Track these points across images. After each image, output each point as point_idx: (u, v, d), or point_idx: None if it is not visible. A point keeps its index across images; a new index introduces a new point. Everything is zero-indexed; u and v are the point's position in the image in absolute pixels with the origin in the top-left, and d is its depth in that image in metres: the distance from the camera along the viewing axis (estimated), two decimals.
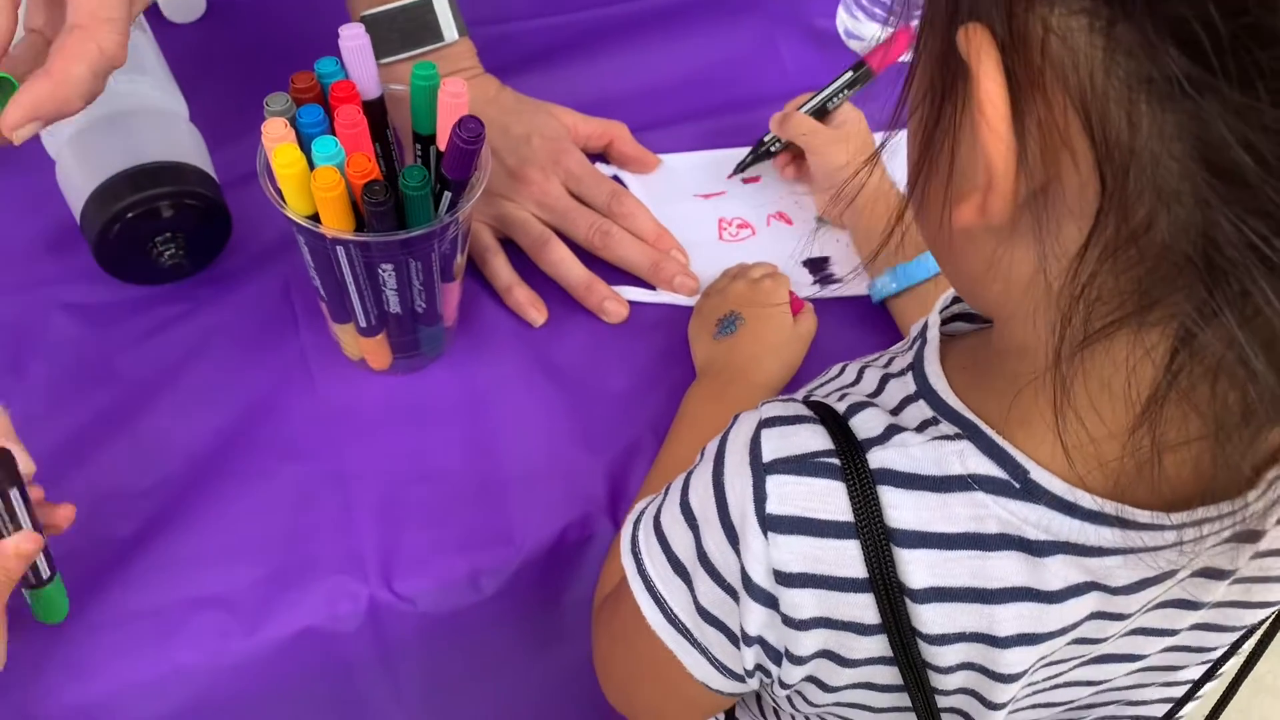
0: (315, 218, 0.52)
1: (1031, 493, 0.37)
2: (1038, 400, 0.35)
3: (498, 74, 0.71)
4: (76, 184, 0.61)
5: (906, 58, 0.68)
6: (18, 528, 0.47)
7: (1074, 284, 0.31)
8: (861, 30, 0.81)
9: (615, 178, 0.73)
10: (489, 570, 0.58)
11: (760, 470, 0.39)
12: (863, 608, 0.39)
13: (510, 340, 0.66)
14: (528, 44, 0.80)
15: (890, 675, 0.41)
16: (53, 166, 0.63)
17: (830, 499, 0.38)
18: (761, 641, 0.41)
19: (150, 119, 0.64)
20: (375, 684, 0.61)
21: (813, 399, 0.42)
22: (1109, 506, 0.36)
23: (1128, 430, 0.33)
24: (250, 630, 0.54)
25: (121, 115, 0.63)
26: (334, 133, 0.52)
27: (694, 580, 0.44)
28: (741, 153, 0.75)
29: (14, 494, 0.47)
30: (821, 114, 0.71)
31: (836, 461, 0.38)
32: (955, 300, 0.45)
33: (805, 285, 0.70)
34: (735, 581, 0.41)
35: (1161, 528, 0.36)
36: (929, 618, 0.39)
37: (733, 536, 0.41)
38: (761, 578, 0.40)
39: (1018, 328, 0.36)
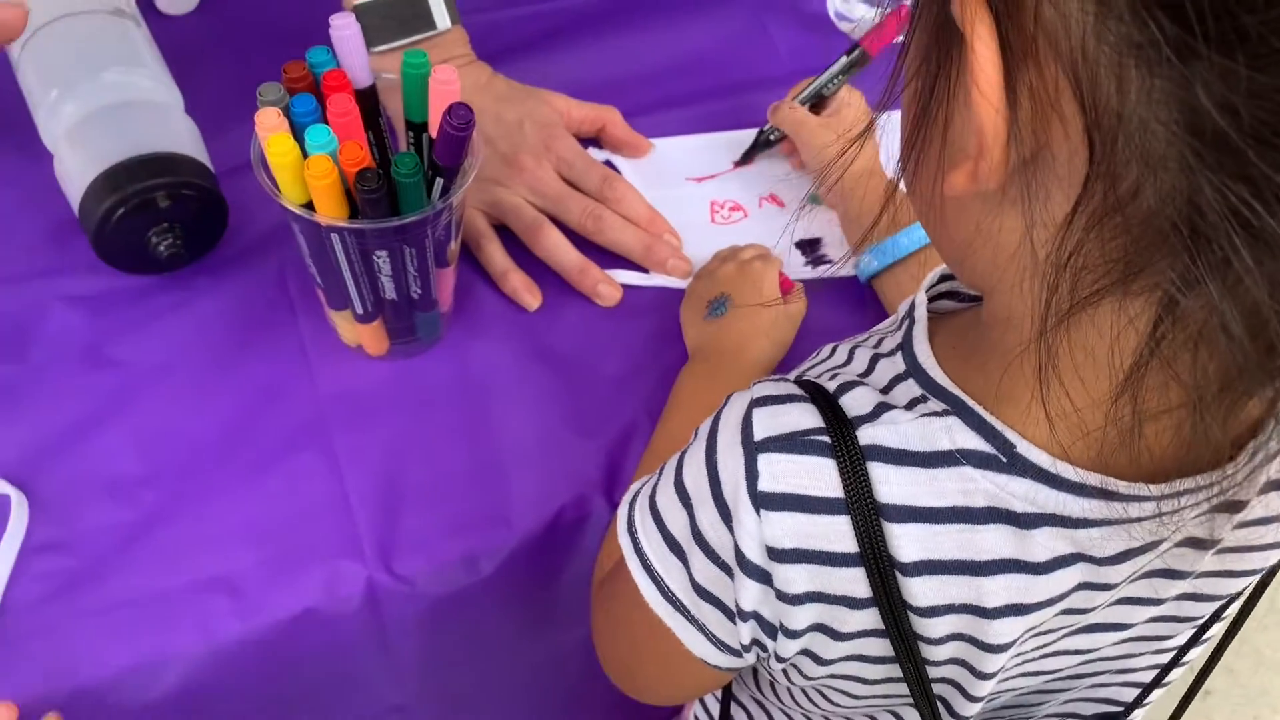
0: (310, 206, 0.53)
1: (1018, 466, 0.37)
2: (1024, 372, 0.35)
3: (491, 61, 0.72)
4: (75, 176, 0.62)
5: (900, 39, 0.69)
6: None
7: (1061, 251, 0.31)
8: (852, 12, 0.82)
9: (608, 162, 0.74)
10: (486, 551, 0.59)
11: (752, 448, 0.40)
12: (854, 582, 0.40)
13: (505, 325, 0.67)
14: (520, 30, 0.80)
15: (882, 647, 0.42)
16: (51, 159, 0.64)
17: (821, 475, 0.39)
18: (757, 616, 0.42)
19: (146, 111, 0.64)
20: (374, 664, 0.61)
21: (804, 379, 0.43)
22: (1092, 478, 0.36)
23: (1111, 398, 0.33)
24: (251, 612, 0.55)
25: (118, 108, 0.63)
26: (326, 121, 0.53)
27: (690, 558, 0.44)
28: (734, 135, 0.76)
29: None
30: (819, 100, 0.72)
31: (827, 439, 0.39)
32: (941, 279, 0.45)
33: (798, 267, 0.71)
34: (729, 558, 0.42)
35: (1143, 498, 0.37)
36: (919, 590, 0.39)
37: (726, 514, 0.41)
38: (755, 554, 0.40)
39: (1005, 297, 0.36)
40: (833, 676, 0.45)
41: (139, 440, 0.60)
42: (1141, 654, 0.49)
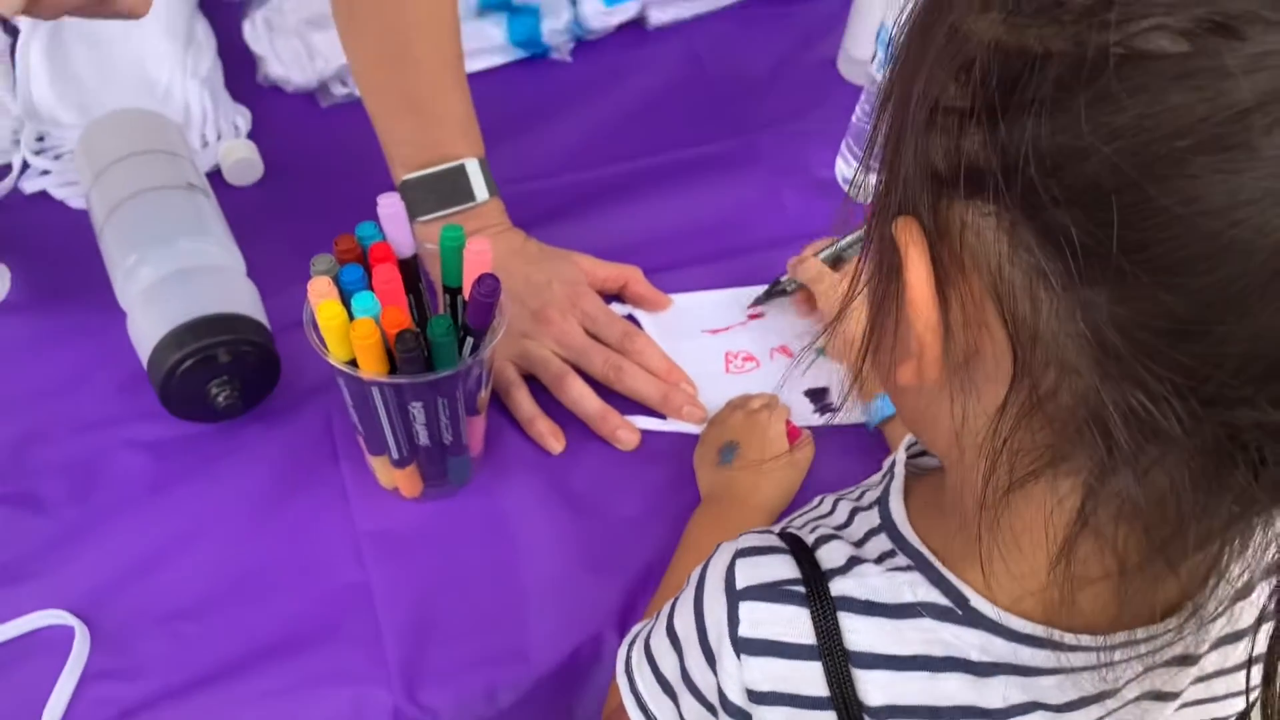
0: (354, 363, 0.58)
1: (972, 618, 0.40)
2: (974, 538, 0.38)
3: (526, 225, 0.78)
4: (145, 333, 0.68)
5: None
6: None
7: (996, 438, 0.35)
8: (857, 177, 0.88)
9: (630, 317, 0.79)
10: (505, 684, 0.62)
11: (734, 596, 0.43)
12: None
13: (532, 467, 0.71)
14: (552, 199, 0.86)
15: None
16: (124, 318, 0.71)
17: (796, 623, 0.42)
18: None
19: (212, 275, 0.71)
20: None
21: (789, 530, 0.46)
22: (1039, 630, 0.39)
23: (1048, 565, 0.36)
24: None
25: (187, 272, 0.70)
26: (372, 288, 0.59)
27: (679, 698, 0.47)
28: (747, 291, 0.81)
29: None
30: (837, 261, 0.77)
31: (802, 589, 0.42)
32: None
33: (807, 414, 0.75)
34: (714, 699, 0.44)
35: (1085, 649, 0.39)
36: None
37: (710, 658, 0.44)
38: (736, 696, 0.43)
39: (957, 470, 0.40)
40: None
41: (193, 576, 0.64)
42: None
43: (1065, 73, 0.28)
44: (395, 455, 0.65)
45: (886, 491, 0.45)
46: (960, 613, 0.40)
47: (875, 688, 0.41)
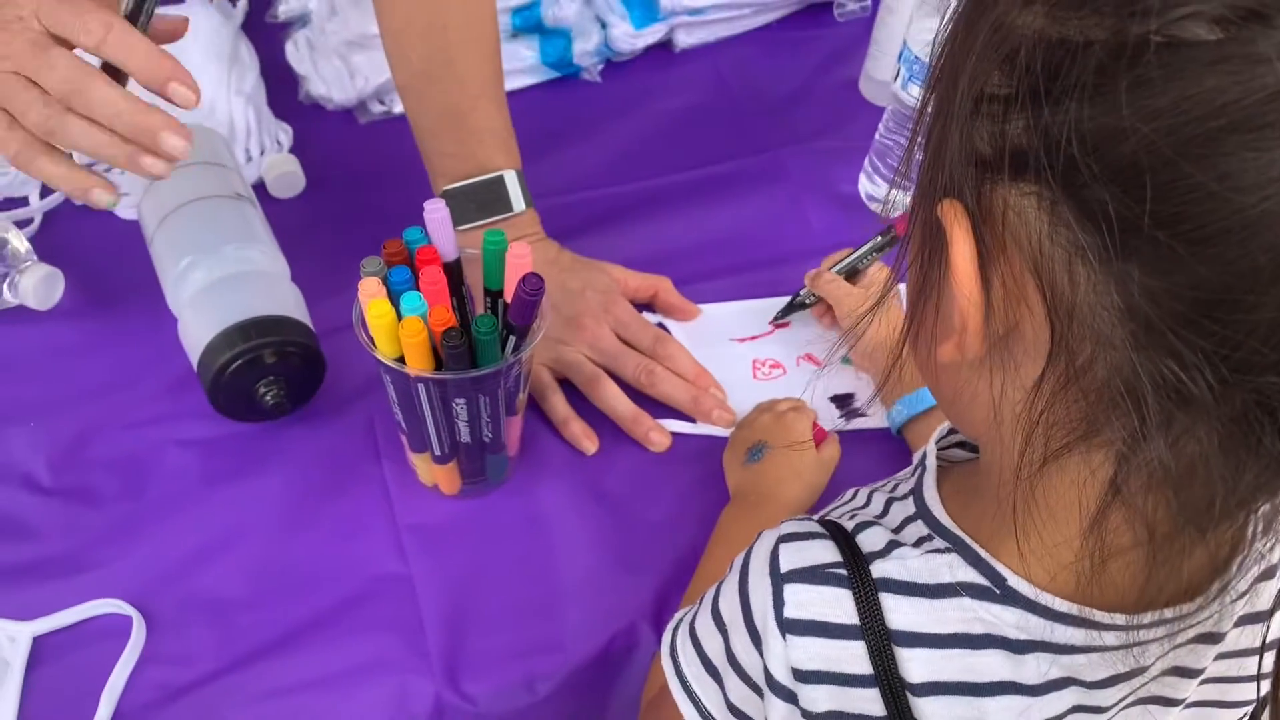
0: (400, 360, 0.61)
1: (1009, 597, 0.41)
2: (1010, 515, 0.40)
3: (560, 236, 0.80)
4: (195, 336, 0.70)
5: None
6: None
7: (1033, 411, 0.36)
8: (880, 193, 0.90)
9: (660, 325, 0.82)
10: (543, 675, 0.64)
11: (779, 579, 0.44)
12: (870, 701, 0.43)
13: (566, 467, 0.73)
14: (585, 212, 0.89)
15: None
16: (174, 323, 0.73)
17: (839, 604, 0.43)
18: None
19: (258, 280, 0.73)
20: None
21: (826, 519, 0.48)
22: (1073, 608, 0.40)
23: (1081, 536, 0.38)
24: None
25: (235, 278, 0.72)
26: (419, 289, 0.61)
27: (724, 680, 0.49)
28: (773, 302, 0.83)
29: None
30: (853, 272, 0.80)
31: (844, 572, 0.44)
32: (951, 431, 0.51)
33: (832, 419, 0.77)
34: (759, 679, 0.46)
35: (1117, 628, 0.41)
36: (928, 710, 0.43)
37: (756, 639, 0.46)
38: (782, 675, 0.44)
39: (992, 449, 0.42)
40: None
41: (241, 568, 0.67)
42: None
43: (1106, 60, 0.30)
44: (437, 452, 0.67)
45: (920, 482, 0.47)
46: (998, 592, 0.41)
47: (916, 665, 0.43)
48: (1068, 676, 0.42)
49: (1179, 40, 0.29)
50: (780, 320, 0.83)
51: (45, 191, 0.86)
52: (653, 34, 1.02)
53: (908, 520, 0.46)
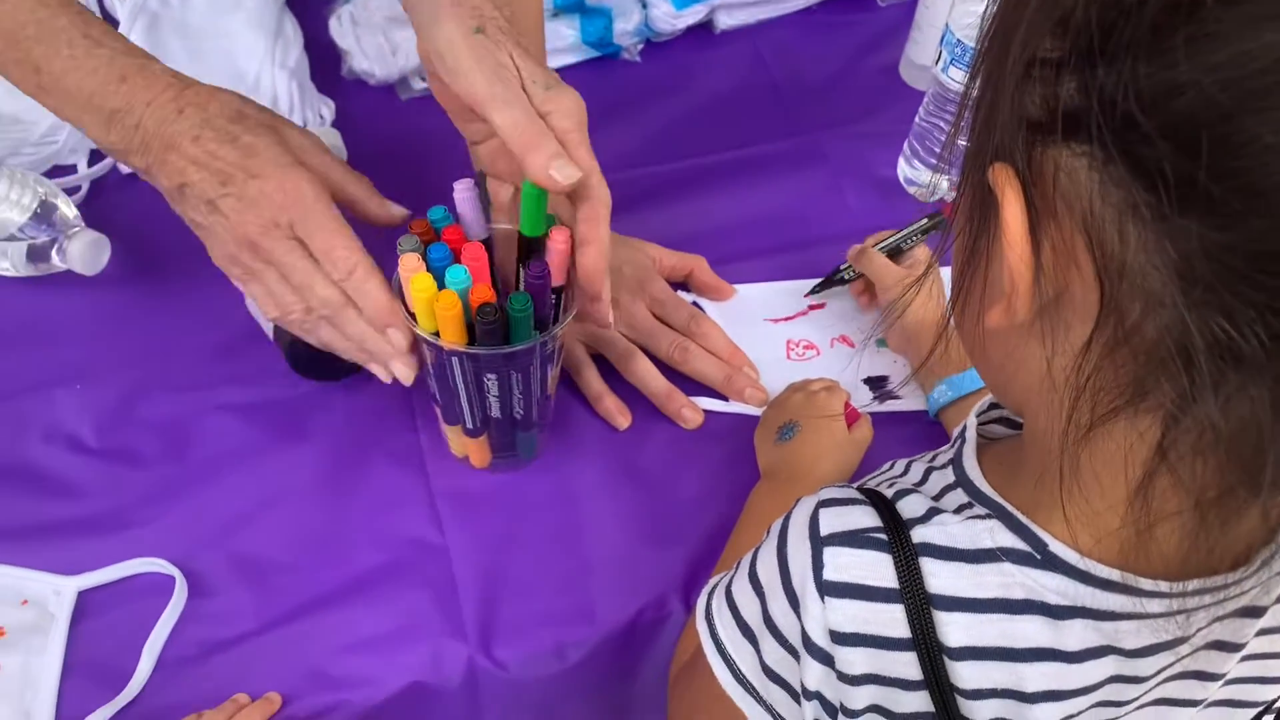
0: (436, 334, 0.61)
1: (1050, 563, 0.41)
2: (1054, 482, 0.40)
3: None
4: None
5: None
6: None
7: (1081, 375, 0.36)
8: (919, 177, 0.90)
9: (695, 304, 0.82)
10: (573, 643, 0.65)
11: (819, 542, 0.45)
12: (907, 665, 0.44)
13: (598, 443, 0.74)
14: (623, 192, 0.86)
15: None
16: (213, 290, 0.71)
17: (878, 568, 0.44)
18: (820, 697, 0.46)
19: None
20: None
21: (866, 487, 0.48)
22: (1115, 575, 0.40)
23: (1126, 501, 0.38)
24: (366, 682, 0.62)
25: None
26: (461, 263, 0.62)
27: (760, 642, 0.49)
28: (809, 283, 0.83)
29: None
30: (896, 252, 0.80)
31: (884, 537, 0.44)
32: (991, 406, 0.51)
33: (866, 401, 0.77)
34: (796, 641, 0.46)
35: (1161, 595, 0.41)
36: (965, 674, 0.43)
37: (794, 601, 0.46)
38: (819, 637, 0.45)
39: (1038, 416, 0.42)
40: None
41: (281, 531, 0.68)
42: None
43: (1162, 15, 0.30)
44: (469, 425, 0.68)
45: (960, 452, 0.47)
46: (1039, 557, 0.42)
47: (955, 629, 0.43)
48: (1107, 644, 0.42)
49: None
50: (817, 296, 0.83)
51: (94, 159, 0.88)
52: (693, 14, 1.03)
53: (947, 488, 0.46)
